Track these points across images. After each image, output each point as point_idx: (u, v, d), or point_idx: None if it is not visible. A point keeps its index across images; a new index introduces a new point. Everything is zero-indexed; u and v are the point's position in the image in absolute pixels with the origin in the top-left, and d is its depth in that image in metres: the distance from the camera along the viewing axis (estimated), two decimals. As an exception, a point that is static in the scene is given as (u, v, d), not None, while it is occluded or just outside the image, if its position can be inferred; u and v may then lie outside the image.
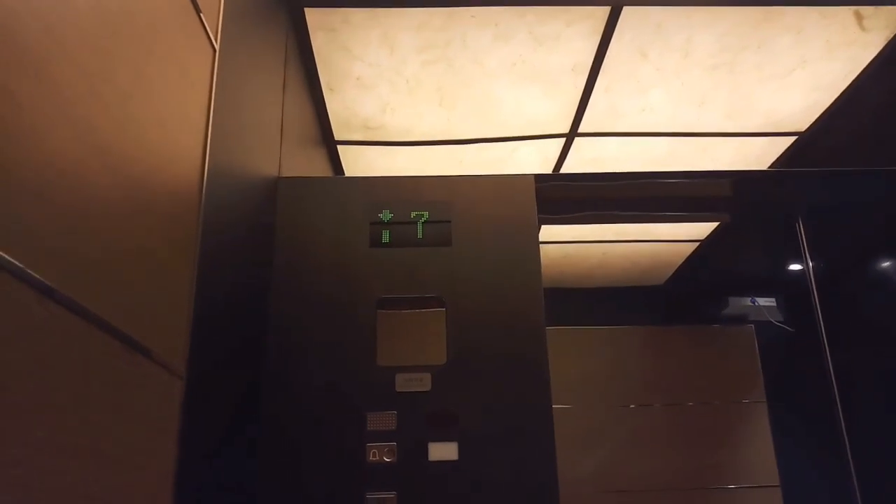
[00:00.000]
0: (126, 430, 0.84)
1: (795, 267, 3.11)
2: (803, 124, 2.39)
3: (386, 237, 1.58)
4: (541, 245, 1.61)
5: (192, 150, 1.08)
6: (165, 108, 0.97)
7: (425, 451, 1.41)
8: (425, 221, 1.60)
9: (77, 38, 0.74)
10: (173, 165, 1.00)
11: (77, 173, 0.74)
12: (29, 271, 0.64)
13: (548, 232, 3.08)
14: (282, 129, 1.72)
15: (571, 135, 2.42)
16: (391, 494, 1.38)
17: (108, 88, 0.81)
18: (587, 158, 2.56)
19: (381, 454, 1.40)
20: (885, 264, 2.78)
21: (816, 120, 2.35)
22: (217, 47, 1.18)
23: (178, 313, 1.01)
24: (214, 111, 1.15)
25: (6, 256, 0.60)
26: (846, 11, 1.90)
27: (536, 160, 2.58)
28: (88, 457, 0.75)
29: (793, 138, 2.47)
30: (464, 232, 1.59)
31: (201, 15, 1.11)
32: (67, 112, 0.72)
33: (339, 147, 2.47)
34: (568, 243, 3.25)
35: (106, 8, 0.81)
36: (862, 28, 1.95)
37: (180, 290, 1.02)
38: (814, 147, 2.47)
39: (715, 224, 3.04)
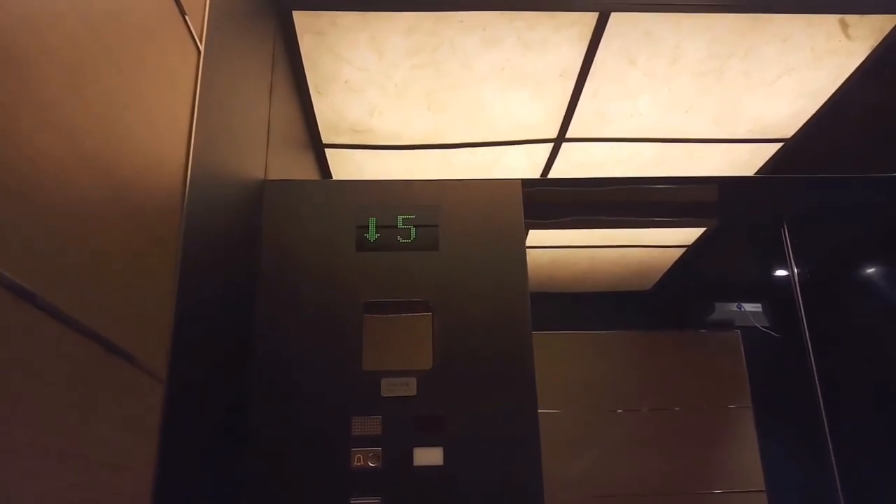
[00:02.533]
0: (106, 434, 0.83)
1: (781, 273, 3.13)
2: (789, 131, 2.40)
3: (373, 241, 1.57)
4: (528, 250, 1.61)
5: (175, 153, 1.07)
6: (149, 110, 0.96)
7: (410, 457, 1.40)
8: (412, 225, 1.59)
9: (60, 37, 0.73)
10: (156, 167, 1.00)
11: (59, 175, 0.73)
12: (7, 275, 0.63)
13: (535, 237, 3.08)
14: (268, 132, 1.72)
15: (559, 140, 2.42)
16: (376, 500, 1.37)
17: (92, 89, 0.80)
18: (575, 163, 2.57)
19: (365, 459, 1.40)
20: (870, 270, 2.80)
21: (802, 127, 2.37)
22: (202, 49, 1.17)
23: (159, 317, 1.00)
24: (199, 113, 1.15)
25: (-19, 259, 0.59)
26: (832, 20, 1.91)
27: (525, 165, 2.58)
28: (67, 460, 0.74)
29: (779, 145, 2.48)
30: (451, 236, 1.59)
31: (186, 17, 1.10)
32: (50, 112, 0.71)
33: (327, 151, 2.46)
34: (555, 248, 3.26)
35: (89, 8, 0.80)
36: (847, 36, 1.97)
37: (162, 294, 1.01)
38: (799, 154, 2.48)
39: (702, 230, 3.05)
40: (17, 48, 0.66)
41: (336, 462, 1.39)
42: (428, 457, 1.41)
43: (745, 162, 2.60)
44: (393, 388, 1.45)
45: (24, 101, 0.67)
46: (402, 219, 1.59)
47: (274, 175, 1.71)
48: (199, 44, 1.17)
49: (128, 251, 0.90)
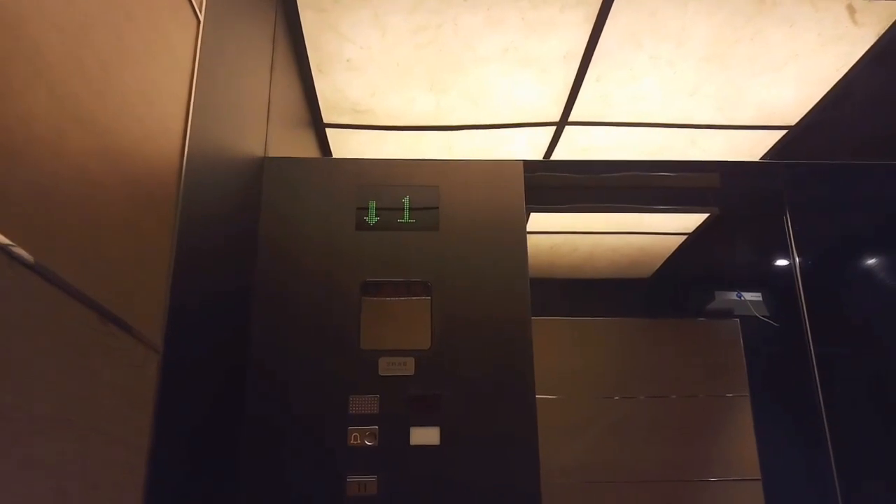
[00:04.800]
0: (100, 403, 0.82)
1: (782, 262, 3.12)
2: (794, 118, 2.38)
3: (372, 220, 1.56)
4: (529, 235, 1.60)
5: (173, 122, 1.05)
6: (146, 77, 0.95)
7: (407, 436, 1.40)
8: (412, 206, 1.58)
9: (53, -3, 0.72)
10: (154, 136, 0.98)
11: (54, 137, 0.71)
12: (2, 237, 0.62)
13: (536, 222, 3.07)
14: (269, 109, 1.70)
15: (562, 123, 2.40)
16: (372, 478, 1.37)
17: (88, 52, 0.79)
18: (578, 147, 2.55)
19: (362, 438, 1.39)
20: (872, 261, 2.79)
21: (807, 114, 2.35)
22: (201, 18, 1.15)
23: (156, 288, 0.99)
24: (198, 84, 1.13)
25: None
26: (839, 5, 1.89)
27: (527, 148, 2.57)
28: (60, 427, 0.73)
29: (783, 132, 2.46)
30: (451, 217, 1.58)
31: (186, -16, 1.09)
32: (44, 73, 0.70)
33: (328, 130, 2.44)
34: (556, 234, 3.24)
35: (84, -31, 0.78)
36: (854, 22, 1.95)
37: (159, 264, 1.00)
38: (804, 141, 2.47)
39: (703, 217, 3.04)
40: (10, 4, 0.64)
41: (333, 440, 1.39)
42: (424, 436, 1.40)
43: (749, 149, 2.58)
44: (391, 367, 1.45)
45: (19, 59, 0.65)
46: (403, 199, 1.58)
47: (274, 152, 1.69)
48: (198, 13, 1.15)
49: (124, 219, 0.89)
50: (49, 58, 0.71)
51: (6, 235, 0.63)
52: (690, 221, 3.11)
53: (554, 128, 2.44)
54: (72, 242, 0.76)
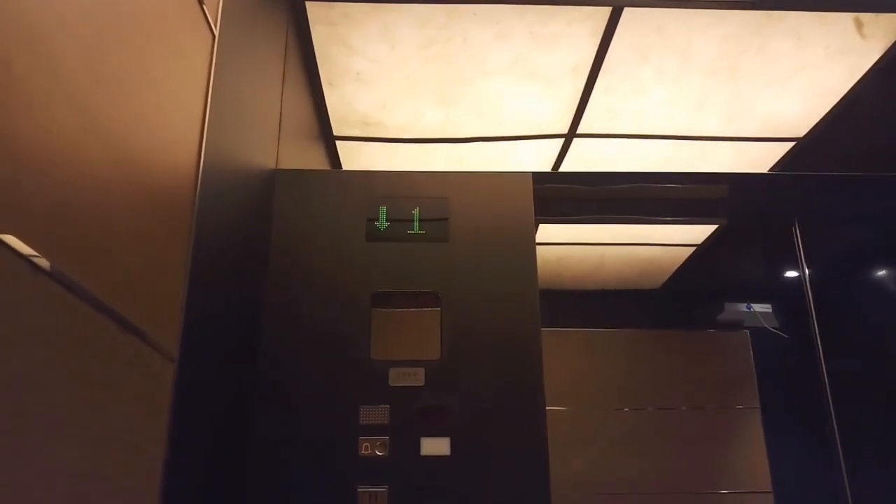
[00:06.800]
0: (117, 409, 0.83)
1: (792, 273, 3.11)
2: (801, 130, 2.39)
3: (383, 231, 1.58)
4: (538, 246, 1.60)
5: (188, 134, 1.07)
6: (163, 90, 0.97)
7: (417, 446, 1.41)
8: (422, 217, 1.59)
9: (76, 11, 0.74)
10: (170, 148, 1.00)
11: (72, 148, 0.73)
12: (25, 245, 0.63)
13: (545, 233, 3.08)
14: (280, 122, 1.72)
15: (570, 135, 2.42)
16: (382, 488, 1.37)
17: (106, 65, 0.81)
18: (586, 159, 2.56)
19: (373, 448, 1.40)
20: (881, 272, 2.78)
21: (815, 126, 2.35)
22: (216, 34, 1.18)
23: (172, 297, 1.01)
24: (212, 97, 1.15)
25: (-1, 227, 0.60)
26: (846, 18, 1.90)
27: (535, 160, 2.58)
28: (78, 433, 0.74)
29: (791, 144, 2.47)
30: (461, 229, 1.59)
31: (202, 1, 1.11)
32: (64, 86, 0.72)
33: (338, 143, 2.46)
34: (565, 245, 3.25)
35: (106, -14, 0.80)
36: (861, 35, 1.96)
37: (174, 274, 1.02)
38: (812, 153, 2.47)
39: (712, 229, 3.04)
40: (34, 18, 0.66)
41: (343, 450, 1.39)
42: (435, 447, 1.41)
43: (757, 160, 2.59)
44: (401, 377, 1.46)
45: (40, 71, 0.67)
46: (413, 210, 1.60)
47: (285, 165, 1.71)
48: (213, 29, 1.17)
49: (140, 229, 0.91)
50: (68, 72, 0.73)
51: (30, 246, 0.64)
52: (699, 233, 3.11)
53: (562, 140, 2.45)
54: (92, 253, 0.77)
